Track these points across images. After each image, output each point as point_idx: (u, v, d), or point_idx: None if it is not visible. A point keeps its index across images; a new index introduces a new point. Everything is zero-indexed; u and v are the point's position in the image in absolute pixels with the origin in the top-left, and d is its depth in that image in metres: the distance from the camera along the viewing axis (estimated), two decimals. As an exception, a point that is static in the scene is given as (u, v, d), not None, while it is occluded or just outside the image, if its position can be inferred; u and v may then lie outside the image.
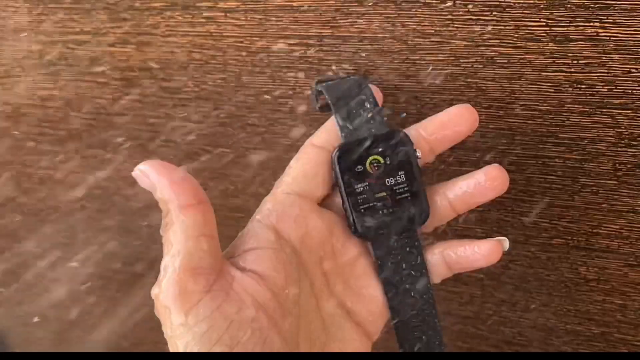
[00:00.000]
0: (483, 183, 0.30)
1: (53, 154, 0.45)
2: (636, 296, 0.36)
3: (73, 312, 0.53)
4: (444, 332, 0.41)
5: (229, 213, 0.43)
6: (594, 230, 0.35)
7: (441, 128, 0.31)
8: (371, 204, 0.31)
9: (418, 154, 0.31)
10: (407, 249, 0.31)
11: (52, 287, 0.52)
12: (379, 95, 0.32)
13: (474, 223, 0.37)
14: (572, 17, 0.30)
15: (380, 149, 0.30)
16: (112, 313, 0.52)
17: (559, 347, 0.39)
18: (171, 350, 0.27)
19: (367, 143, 0.30)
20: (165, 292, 0.27)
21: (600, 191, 0.34)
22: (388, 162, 0.30)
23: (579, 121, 0.32)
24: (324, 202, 0.32)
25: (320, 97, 0.33)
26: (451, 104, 0.34)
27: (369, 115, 0.31)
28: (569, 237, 0.36)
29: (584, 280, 0.36)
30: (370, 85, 0.32)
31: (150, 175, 0.28)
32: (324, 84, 0.32)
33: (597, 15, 0.29)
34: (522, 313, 0.39)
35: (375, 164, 0.30)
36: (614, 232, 0.34)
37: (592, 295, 0.37)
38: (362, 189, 0.30)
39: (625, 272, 0.35)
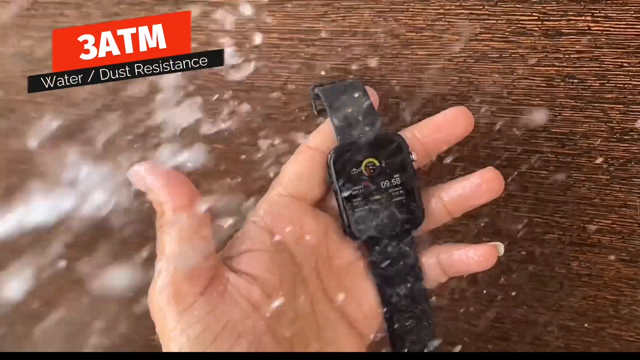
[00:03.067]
0: (478, 186, 0.30)
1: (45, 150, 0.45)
2: (628, 291, 0.36)
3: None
4: (437, 329, 0.41)
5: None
6: (586, 226, 0.35)
7: (436, 130, 0.31)
8: (366, 207, 0.30)
9: (413, 157, 0.31)
10: (402, 251, 0.31)
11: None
12: (374, 98, 0.32)
13: (466, 219, 0.37)
14: (563, 11, 0.30)
15: (375, 152, 0.30)
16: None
17: (552, 343, 0.39)
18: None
19: (363, 146, 0.30)
20: (159, 293, 0.27)
21: (593, 186, 0.34)
22: (383, 165, 0.30)
23: (571, 116, 0.32)
24: (319, 204, 0.32)
25: (318, 101, 0.33)
26: (443, 99, 0.34)
27: (365, 117, 0.31)
28: (561, 232, 0.36)
29: (576, 275, 0.36)
30: (367, 88, 0.32)
31: (145, 176, 0.28)
32: (320, 88, 0.32)
33: (589, 9, 0.29)
34: (515, 309, 0.39)
35: (370, 167, 0.30)
36: (606, 227, 0.35)
37: (584, 290, 0.37)
38: (357, 191, 0.30)
39: (618, 267, 0.35)
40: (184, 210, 0.27)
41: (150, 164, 0.28)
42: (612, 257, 0.35)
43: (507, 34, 0.31)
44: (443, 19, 0.32)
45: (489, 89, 0.33)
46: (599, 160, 0.33)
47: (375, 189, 0.31)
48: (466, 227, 0.38)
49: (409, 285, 0.31)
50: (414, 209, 0.31)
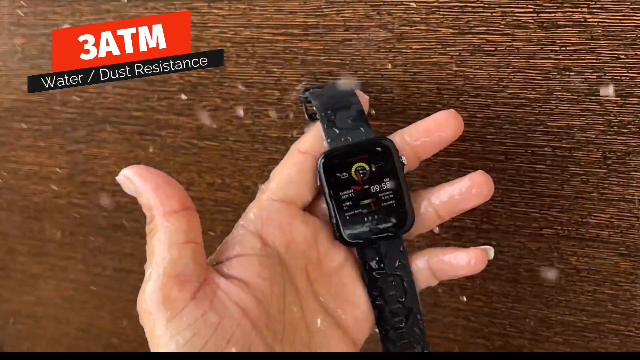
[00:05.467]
0: (468, 189, 0.30)
1: (37, 148, 0.45)
2: (627, 286, 0.35)
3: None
4: (435, 325, 0.40)
5: (216, 207, 0.42)
6: (584, 220, 0.35)
7: (426, 134, 0.30)
8: (356, 211, 0.30)
9: (403, 161, 0.30)
10: (392, 255, 0.31)
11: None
12: (364, 101, 0.32)
13: (462, 214, 0.37)
14: (559, 2, 0.29)
15: (365, 156, 0.30)
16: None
17: (551, 338, 0.39)
18: None
19: (353, 150, 0.30)
20: (149, 299, 0.26)
21: (590, 180, 0.33)
22: (373, 169, 0.30)
23: (568, 109, 0.32)
24: (309, 208, 0.32)
25: (308, 105, 0.32)
26: (438, 93, 0.33)
27: (355, 122, 0.30)
28: (559, 227, 0.35)
29: (574, 270, 0.36)
30: (357, 92, 0.32)
31: (135, 180, 0.28)
32: (310, 91, 0.32)
33: (585, 0, 0.29)
34: (513, 304, 0.39)
35: (360, 171, 0.30)
36: (604, 221, 0.34)
37: (583, 285, 0.36)
38: (347, 195, 0.30)
39: (616, 262, 0.35)
40: (174, 215, 0.27)
41: (140, 167, 0.28)
42: (611, 252, 0.35)
43: (502, 26, 0.31)
44: (437, 12, 0.31)
45: (484, 83, 0.32)
46: (597, 153, 0.32)
47: (365, 193, 0.30)
48: (462, 223, 0.37)
49: (399, 288, 0.31)
50: (404, 213, 0.31)
